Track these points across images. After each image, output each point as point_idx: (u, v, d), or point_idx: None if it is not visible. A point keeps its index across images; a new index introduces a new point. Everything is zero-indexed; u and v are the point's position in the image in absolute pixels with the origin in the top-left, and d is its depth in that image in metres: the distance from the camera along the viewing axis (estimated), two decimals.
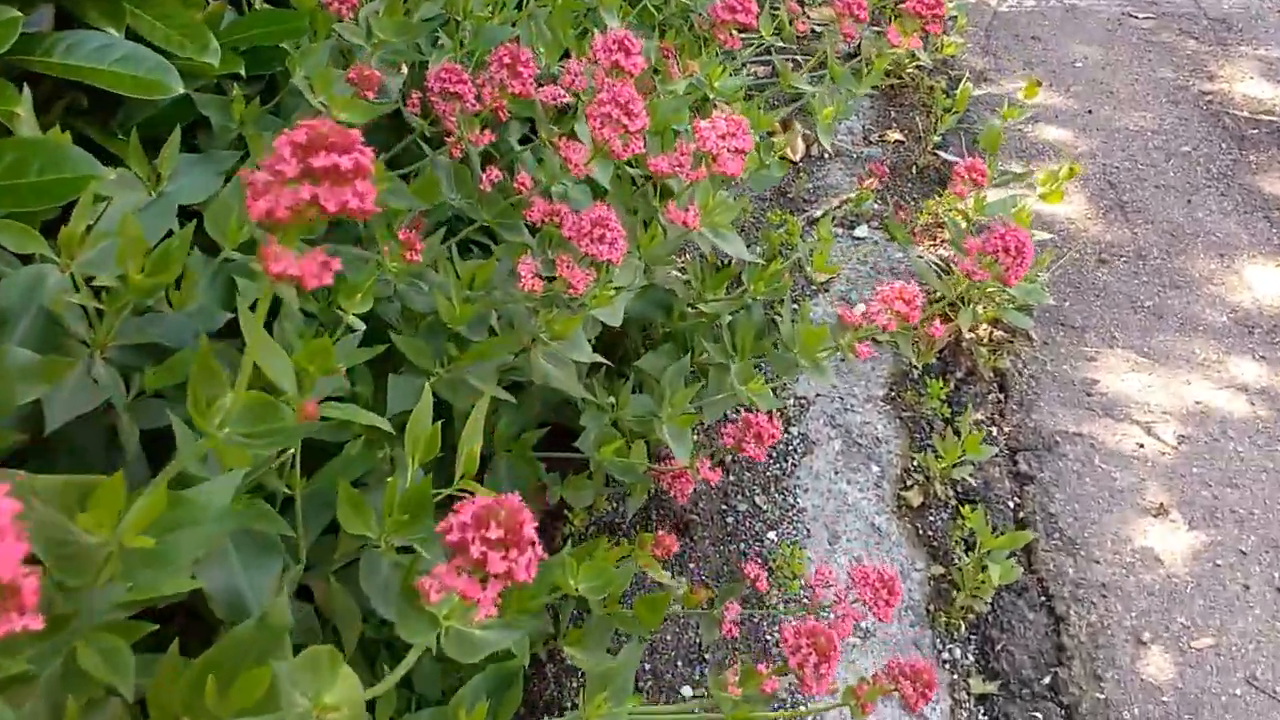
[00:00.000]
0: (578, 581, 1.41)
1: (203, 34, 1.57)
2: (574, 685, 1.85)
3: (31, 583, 0.43)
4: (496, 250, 1.72)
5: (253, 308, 0.67)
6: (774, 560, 2.05)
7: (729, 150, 1.23)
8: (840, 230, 3.03)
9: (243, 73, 1.63)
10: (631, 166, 1.94)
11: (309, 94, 1.57)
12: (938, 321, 2.44)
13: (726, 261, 2.29)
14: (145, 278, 1.11)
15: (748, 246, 2.89)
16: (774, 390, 2.48)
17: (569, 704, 1.82)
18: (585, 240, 1.20)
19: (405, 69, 1.88)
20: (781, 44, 2.78)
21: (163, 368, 1.21)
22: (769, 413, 1.59)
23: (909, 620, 1.95)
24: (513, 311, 1.72)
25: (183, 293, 1.32)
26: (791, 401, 2.44)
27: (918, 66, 3.62)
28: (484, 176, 1.39)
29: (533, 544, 0.61)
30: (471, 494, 1.30)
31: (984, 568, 1.89)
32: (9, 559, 0.42)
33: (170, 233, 1.29)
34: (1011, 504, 2.14)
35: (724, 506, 2.21)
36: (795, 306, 2.60)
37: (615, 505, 2.20)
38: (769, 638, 1.93)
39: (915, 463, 2.23)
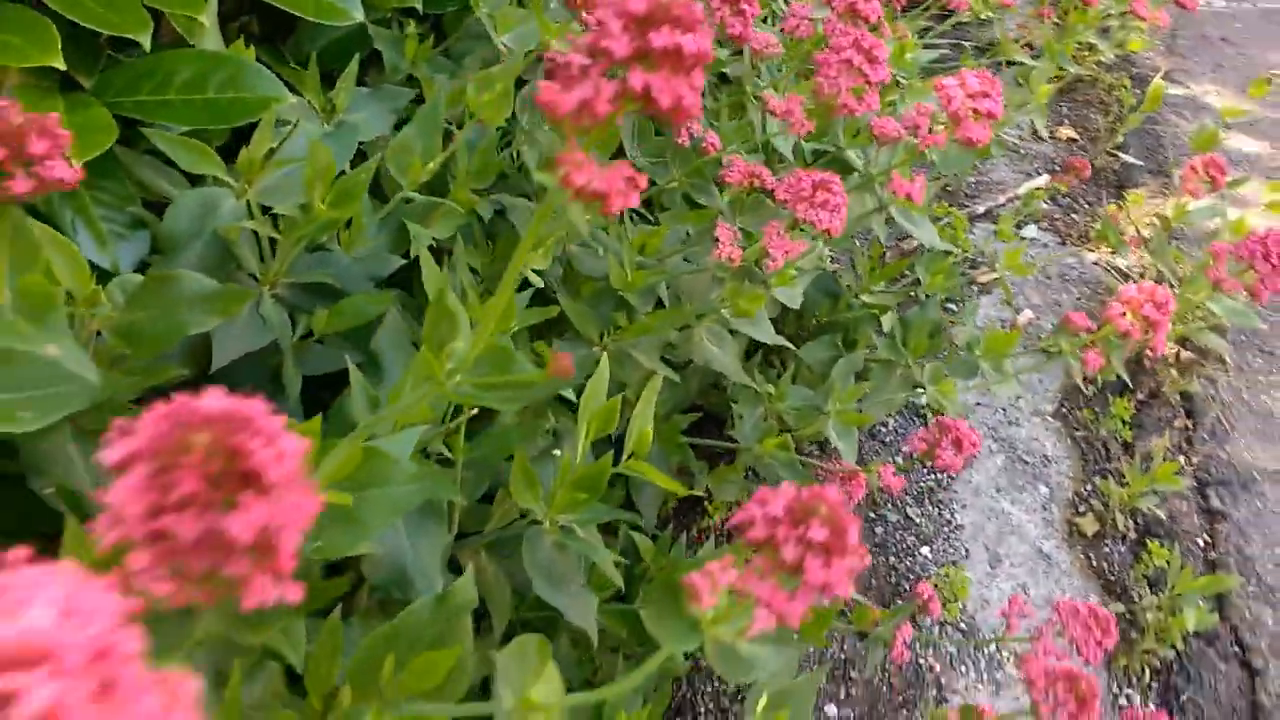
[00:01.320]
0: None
1: None
2: (708, 690, 1.72)
3: (290, 542, 0.31)
4: (663, 218, 1.60)
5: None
6: (928, 578, 1.89)
7: (977, 112, 1.07)
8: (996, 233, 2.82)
9: (419, 7, 1.53)
10: (807, 140, 1.79)
11: (492, 32, 1.46)
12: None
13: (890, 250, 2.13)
14: (329, 208, 1.01)
15: (904, 238, 2.72)
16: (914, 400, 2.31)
17: (702, 709, 1.70)
18: (804, 204, 1.06)
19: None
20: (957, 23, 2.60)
21: (334, 311, 1.12)
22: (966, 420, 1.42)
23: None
24: (682, 284, 1.59)
25: (351, 234, 1.23)
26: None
27: (1097, 62, 3.36)
28: (681, 130, 1.26)
29: (856, 553, 0.48)
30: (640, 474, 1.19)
31: (1173, 611, 1.70)
32: (296, 517, 0.30)
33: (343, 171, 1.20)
34: (1201, 542, 1.93)
35: (872, 514, 2.05)
36: (953, 306, 2.41)
37: None
38: (921, 662, 1.77)
39: (1089, 488, 2.04)
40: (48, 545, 1.08)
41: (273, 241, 1.13)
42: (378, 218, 1.29)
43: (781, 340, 1.42)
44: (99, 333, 0.92)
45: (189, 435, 0.31)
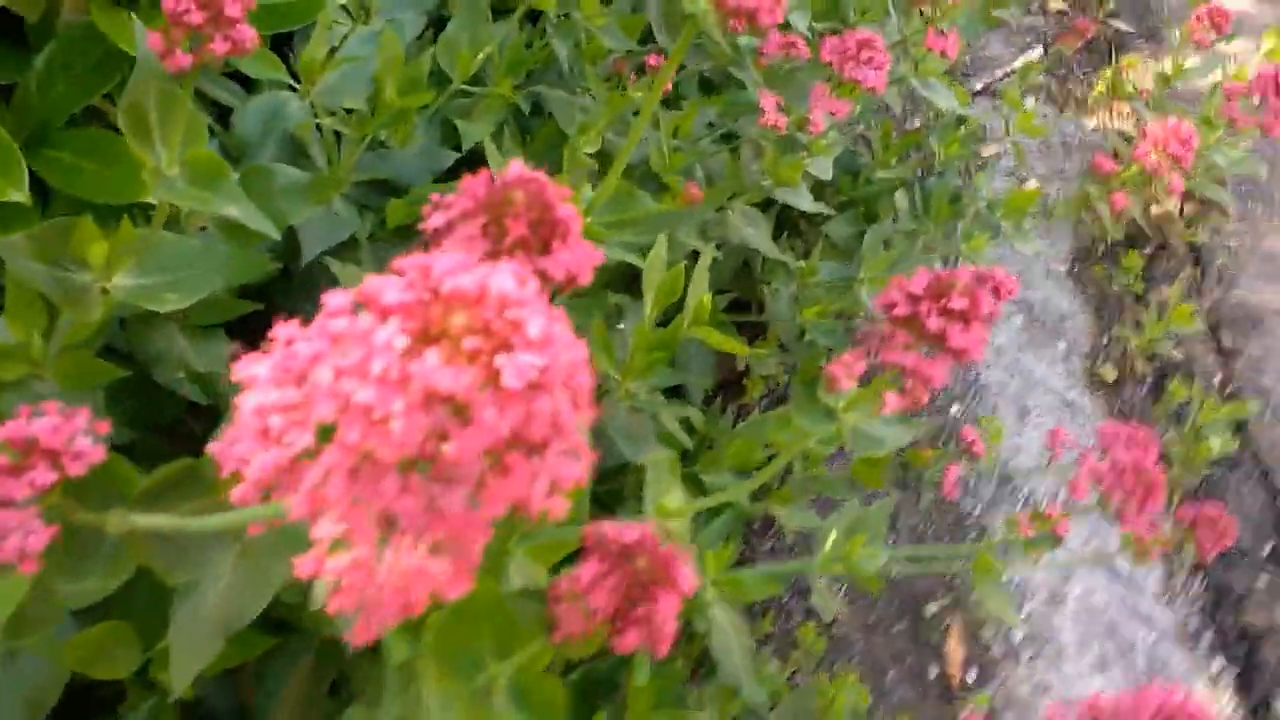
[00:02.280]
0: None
1: None
2: (765, 548, 1.82)
3: (585, 279, 0.37)
4: (691, 102, 1.63)
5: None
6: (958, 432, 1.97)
7: None
8: (1004, 102, 2.85)
9: None
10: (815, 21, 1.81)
11: None
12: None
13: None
14: (400, 98, 1.05)
15: (911, 114, 2.75)
16: (945, 265, 2.37)
17: (759, 562, 1.80)
18: (850, 63, 1.10)
19: None
20: None
21: (401, 203, 1.16)
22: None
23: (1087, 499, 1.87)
24: (713, 165, 1.64)
25: (404, 130, 1.26)
26: None
27: None
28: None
29: (989, 319, 0.55)
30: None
31: (1197, 441, 1.79)
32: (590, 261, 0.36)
33: None
34: (1217, 380, 2.01)
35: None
36: (957, 181, 2.46)
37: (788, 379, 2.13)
38: (961, 508, 1.87)
39: (1106, 339, 2.12)
40: (175, 429, 1.13)
41: (337, 140, 1.17)
42: (426, 116, 1.32)
43: (821, 206, 1.47)
44: (204, 227, 0.96)
45: (510, 193, 0.37)
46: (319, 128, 1.14)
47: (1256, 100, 1.53)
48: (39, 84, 1.08)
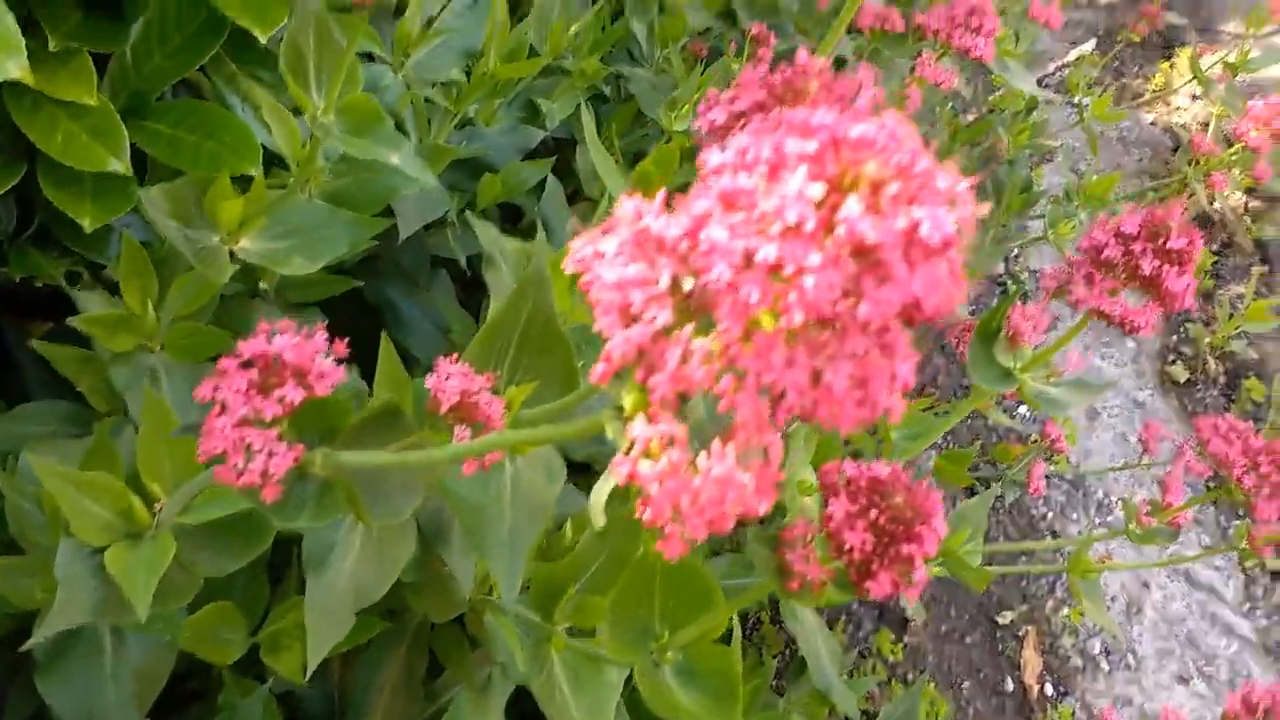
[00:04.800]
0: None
1: None
2: None
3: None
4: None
5: None
6: (1030, 436, 1.94)
7: None
8: (1058, 97, 2.82)
9: None
10: None
11: None
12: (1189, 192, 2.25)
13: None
14: (505, 66, 1.03)
15: (967, 108, 2.72)
16: (1006, 260, 2.33)
17: None
18: (960, 31, 1.07)
19: None
20: None
21: (501, 179, 1.14)
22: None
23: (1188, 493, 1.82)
24: None
25: (489, 109, 1.24)
26: (1027, 276, 2.29)
27: None
28: None
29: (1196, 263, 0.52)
30: None
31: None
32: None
33: None
34: None
35: (965, 383, 2.09)
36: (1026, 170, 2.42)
37: None
38: (1033, 511, 1.83)
39: (1175, 338, 2.08)
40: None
41: (429, 116, 1.15)
42: (509, 96, 1.30)
43: None
44: (310, 197, 0.94)
45: (804, 81, 0.34)
46: (411, 102, 1.12)
47: None
48: (134, 55, 1.06)
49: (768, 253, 0.22)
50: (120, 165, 0.94)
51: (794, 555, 0.42)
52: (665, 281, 0.25)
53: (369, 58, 1.14)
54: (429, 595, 0.79)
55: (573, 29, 1.19)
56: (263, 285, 1.04)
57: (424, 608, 0.91)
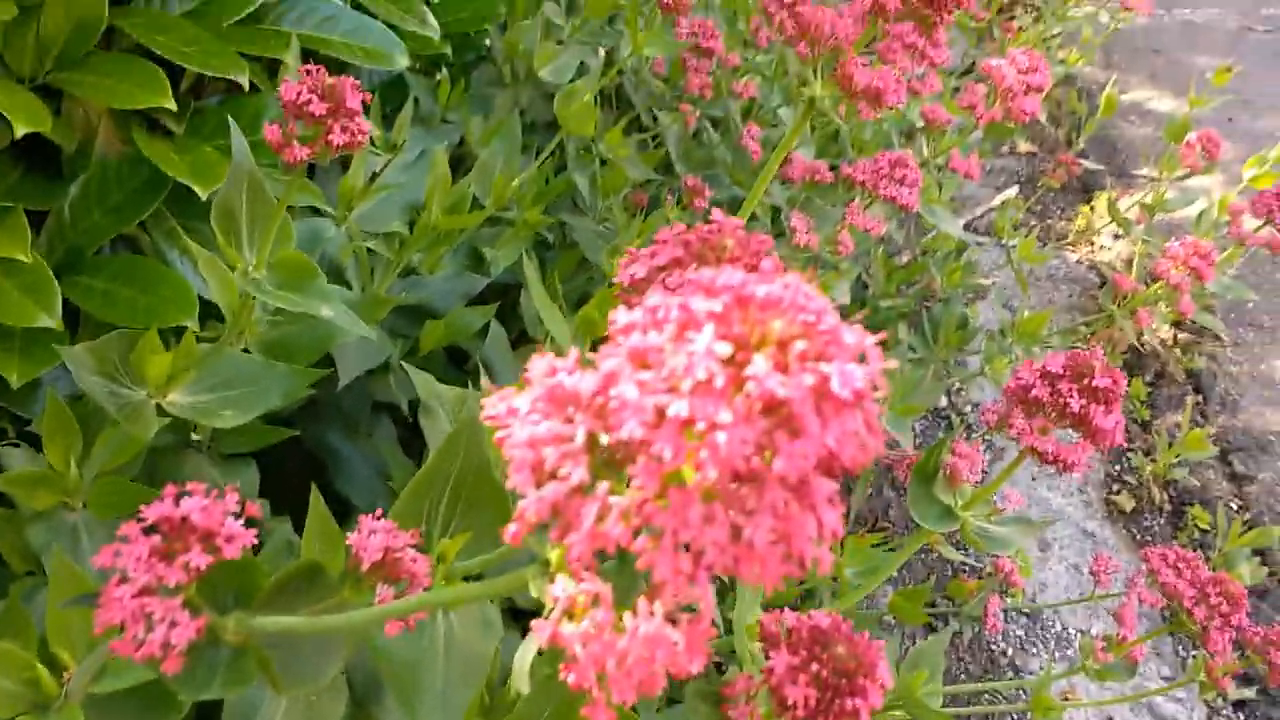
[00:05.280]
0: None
1: (419, 8, 1.53)
2: None
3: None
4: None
5: None
6: (982, 568, 1.93)
7: (1028, 87, 1.14)
8: (987, 239, 2.93)
9: (450, 55, 1.58)
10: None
11: (536, 63, 1.52)
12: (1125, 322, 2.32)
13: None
14: (448, 217, 1.04)
15: (900, 250, 2.81)
16: (948, 393, 2.37)
17: None
18: (885, 181, 1.12)
19: (602, 52, 1.84)
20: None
21: (445, 324, 1.14)
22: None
23: (1143, 627, 1.81)
24: None
25: (432, 258, 1.26)
26: (970, 409, 2.32)
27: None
28: (745, 133, 1.32)
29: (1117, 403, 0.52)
30: None
31: (1227, 568, 1.75)
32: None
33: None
34: (1235, 505, 2.00)
35: None
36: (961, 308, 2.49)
37: None
38: (993, 647, 1.80)
39: (1119, 467, 2.11)
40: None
41: (372, 266, 1.15)
42: (453, 244, 1.32)
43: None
44: (246, 349, 0.93)
45: (720, 239, 0.34)
46: (354, 253, 1.13)
47: (1254, 223, 1.57)
48: (73, 212, 1.06)
49: (679, 409, 0.22)
50: (51, 321, 0.93)
51: (736, 712, 0.40)
52: (581, 437, 0.24)
53: (314, 211, 1.15)
54: None
55: (516, 181, 1.22)
56: (195, 436, 1.01)
57: None
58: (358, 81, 0.56)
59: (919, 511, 0.59)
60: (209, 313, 1.04)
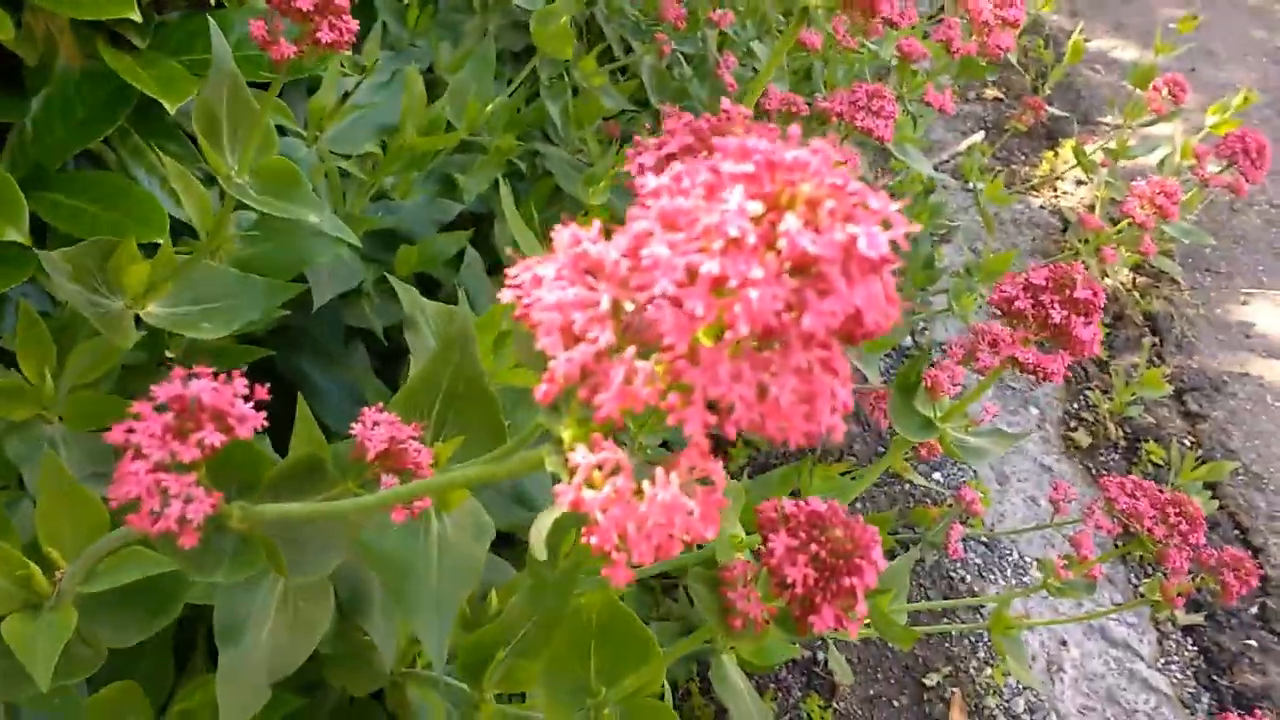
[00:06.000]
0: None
1: None
2: None
3: None
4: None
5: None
6: (943, 500, 1.97)
7: (1003, 22, 1.15)
8: (954, 182, 2.95)
9: None
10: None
11: None
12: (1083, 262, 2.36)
13: None
14: (423, 138, 1.03)
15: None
16: (912, 333, 2.41)
17: None
18: (862, 113, 1.12)
19: None
20: None
21: (418, 250, 1.13)
22: None
23: (1098, 551, 1.87)
24: None
25: (405, 183, 1.25)
26: (934, 348, 2.36)
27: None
28: (721, 63, 1.31)
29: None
30: None
31: None
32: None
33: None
34: (1188, 442, 2.06)
35: (880, 449, 2.13)
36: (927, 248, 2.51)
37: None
38: (952, 574, 1.85)
39: (1076, 405, 2.16)
40: None
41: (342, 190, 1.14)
42: (424, 170, 1.30)
43: None
44: (219, 263, 0.92)
45: (731, 126, 0.35)
46: (325, 174, 1.11)
47: (1216, 166, 1.60)
48: (36, 127, 1.04)
49: (711, 267, 0.22)
50: (18, 234, 0.91)
51: (735, 594, 0.42)
52: (606, 304, 0.25)
53: (280, 131, 1.13)
54: (348, 668, 0.76)
55: (489, 107, 1.20)
56: (168, 354, 1.00)
57: (342, 681, 0.87)
58: None
59: (901, 422, 0.61)
60: (179, 231, 1.03)
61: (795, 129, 0.26)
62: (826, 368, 0.24)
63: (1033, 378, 0.57)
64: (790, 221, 0.23)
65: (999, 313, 0.57)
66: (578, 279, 0.25)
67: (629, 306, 0.25)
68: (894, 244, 0.24)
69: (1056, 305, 0.53)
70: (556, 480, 0.30)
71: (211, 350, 1.02)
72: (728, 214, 0.23)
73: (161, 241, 0.97)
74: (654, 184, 0.25)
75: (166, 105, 0.96)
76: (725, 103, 0.38)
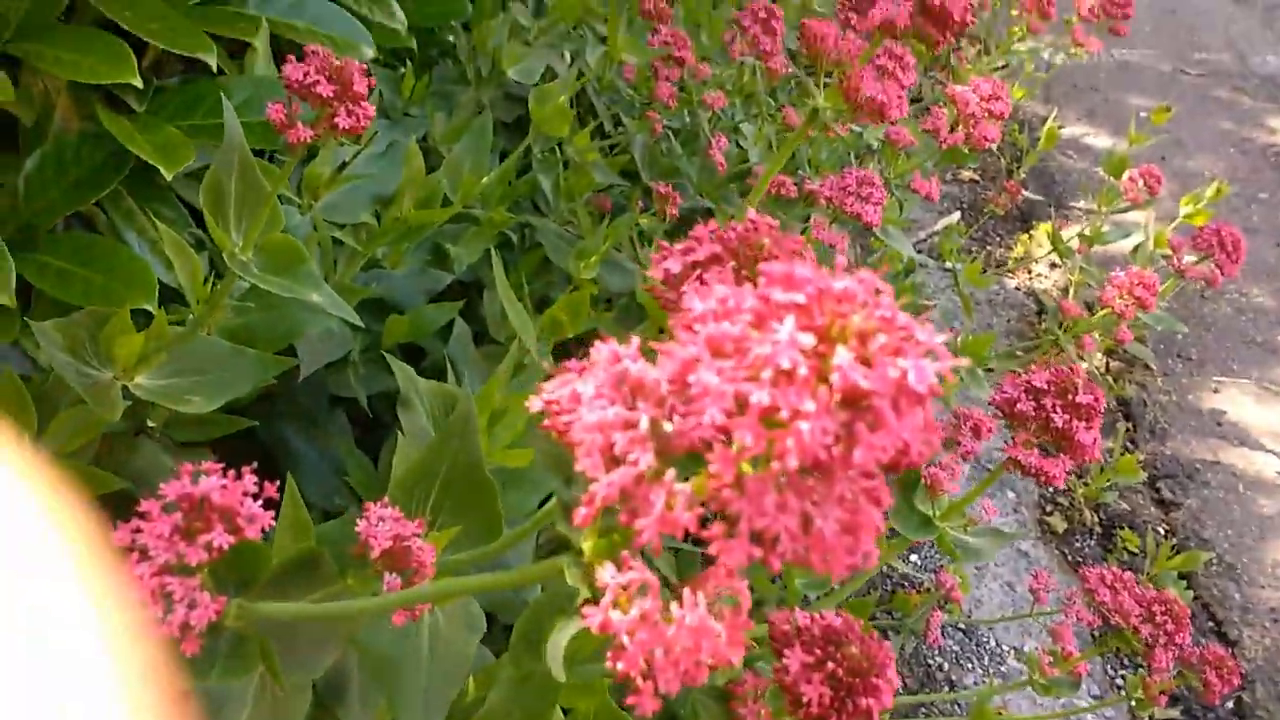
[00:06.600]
0: None
1: (388, 1, 1.51)
2: None
3: None
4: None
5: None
6: (920, 585, 1.96)
7: (989, 114, 1.18)
8: (931, 261, 3.00)
9: (415, 48, 1.57)
10: None
11: (504, 63, 1.51)
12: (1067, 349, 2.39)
13: None
14: (419, 211, 1.03)
15: (849, 269, 2.86)
16: None
17: None
18: (851, 199, 1.14)
19: (568, 55, 1.84)
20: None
21: (408, 320, 1.13)
22: None
23: (1077, 643, 1.86)
24: None
25: (396, 253, 1.25)
26: None
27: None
28: (714, 143, 1.33)
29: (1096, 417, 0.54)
30: None
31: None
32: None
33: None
34: (1162, 530, 2.06)
35: None
36: None
37: None
38: (929, 662, 1.83)
39: (1052, 490, 2.16)
40: None
41: (335, 258, 1.14)
42: (416, 241, 1.30)
43: None
44: (209, 333, 0.91)
45: (756, 237, 0.35)
46: (319, 243, 1.11)
47: (1192, 257, 1.63)
48: (28, 187, 1.03)
49: (761, 397, 0.22)
50: (4, 297, 0.90)
51: (745, 710, 0.41)
52: (645, 425, 0.24)
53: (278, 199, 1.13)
54: None
55: (484, 180, 1.21)
56: (150, 423, 0.99)
57: None
58: (364, 65, 0.55)
59: (900, 521, 0.60)
60: (167, 297, 1.02)
61: (841, 259, 0.26)
62: (871, 498, 0.24)
63: (1034, 479, 0.57)
64: (843, 355, 0.23)
65: (1000, 414, 0.57)
66: (617, 398, 0.25)
67: (667, 427, 0.25)
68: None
69: (1059, 409, 0.54)
70: (575, 595, 0.29)
71: (193, 420, 1.01)
72: (779, 345, 0.23)
73: (150, 308, 0.96)
74: (700, 308, 0.24)
75: (164, 171, 0.96)
76: (751, 212, 0.38)
